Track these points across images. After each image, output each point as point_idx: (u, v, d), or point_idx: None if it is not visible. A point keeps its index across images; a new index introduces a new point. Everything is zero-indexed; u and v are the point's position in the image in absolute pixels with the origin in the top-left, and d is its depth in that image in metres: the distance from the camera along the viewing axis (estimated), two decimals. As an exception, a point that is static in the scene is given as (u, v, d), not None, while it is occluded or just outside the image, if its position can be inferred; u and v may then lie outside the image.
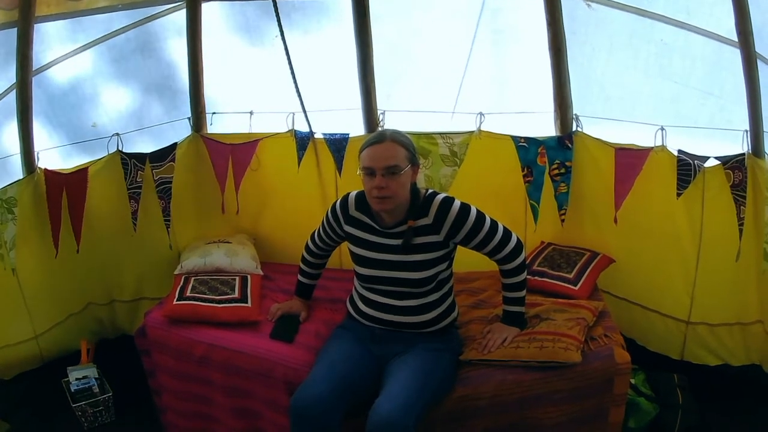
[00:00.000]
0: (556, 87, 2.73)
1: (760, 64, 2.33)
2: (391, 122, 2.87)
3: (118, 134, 2.85)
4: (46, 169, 2.73)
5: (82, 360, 2.88)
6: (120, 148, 2.86)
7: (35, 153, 2.72)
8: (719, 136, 2.49)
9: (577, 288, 2.54)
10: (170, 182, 2.90)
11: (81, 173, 2.78)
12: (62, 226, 2.78)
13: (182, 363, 2.42)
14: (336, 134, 2.88)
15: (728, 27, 2.33)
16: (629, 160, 2.60)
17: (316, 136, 2.92)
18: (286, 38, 2.52)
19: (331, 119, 2.90)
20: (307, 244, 2.53)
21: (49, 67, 2.76)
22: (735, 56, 2.36)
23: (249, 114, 3.02)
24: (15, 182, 2.65)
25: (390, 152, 2.08)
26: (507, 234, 2.20)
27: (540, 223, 2.79)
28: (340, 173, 2.90)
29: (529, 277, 2.38)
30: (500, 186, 2.83)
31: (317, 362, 2.21)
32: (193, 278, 2.71)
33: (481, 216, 2.17)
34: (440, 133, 2.80)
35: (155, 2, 2.84)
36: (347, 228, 2.30)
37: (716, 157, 2.48)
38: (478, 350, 2.26)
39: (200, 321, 2.45)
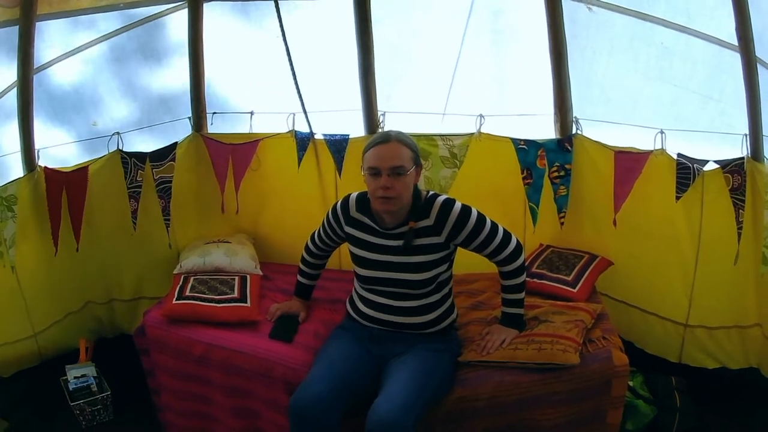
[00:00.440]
0: (557, 90, 2.74)
1: (760, 69, 2.34)
2: (391, 123, 2.88)
3: (118, 133, 2.85)
4: (46, 168, 2.73)
5: (81, 359, 2.88)
6: (120, 147, 2.86)
7: (36, 151, 2.72)
8: (719, 140, 2.50)
9: (575, 290, 2.55)
10: (170, 182, 2.90)
11: (81, 172, 2.78)
12: (62, 225, 2.78)
13: (181, 362, 2.42)
14: (336, 135, 2.89)
15: (728, 31, 2.33)
16: (629, 163, 2.60)
17: (316, 136, 2.92)
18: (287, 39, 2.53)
19: (332, 120, 2.90)
20: (306, 245, 2.53)
21: (51, 66, 2.76)
22: (735, 60, 2.36)
23: (249, 114, 3.02)
24: (15, 180, 2.65)
25: (396, 152, 2.09)
26: (507, 236, 2.21)
27: (539, 226, 2.80)
28: (340, 174, 2.90)
29: (527, 279, 2.38)
30: (500, 188, 2.84)
31: (316, 362, 2.21)
32: (192, 278, 2.71)
33: (481, 218, 2.18)
34: (440, 135, 2.80)
35: (157, 2, 2.84)
36: (348, 229, 2.30)
37: (715, 161, 2.49)
38: (477, 351, 2.26)
39: (199, 320, 2.45)
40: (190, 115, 3.00)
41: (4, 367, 2.81)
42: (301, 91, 2.71)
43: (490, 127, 2.78)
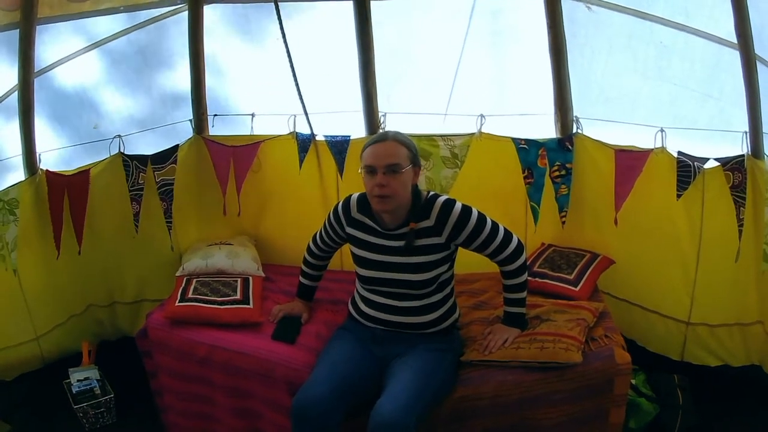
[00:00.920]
0: (557, 89, 2.74)
1: (759, 66, 2.34)
2: (391, 124, 2.88)
3: (119, 136, 2.85)
4: (47, 171, 2.73)
5: (84, 361, 2.89)
6: (121, 150, 2.87)
7: (37, 154, 2.72)
8: (719, 138, 2.50)
9: (577, 289, 2.55)
10: (172, 184, 2.90)
11: (83, 175, 2.78)
12: (64, 228, 2.78)
13: (184, 364, 2.42)
14: (337, 136, 2.89)
15: (727, 29, 2.34)
16: (629, 162, 2.61)
17: (317, 138, 2.92)
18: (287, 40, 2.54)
19: (333, 121, 2.91)
20: (308, 246, 2.53)
21: (52, 69, 2.77)
22: (734, 58, 2.37)
23: (251, 116, 3.02)
24: (17, 183, 2.66)
25: (391, 150, 2.09)
26: (508, 236, 2.21)
27: (540, 225, 2.80)
28: (342, 175, 2.91)
29: (529, 278, 2.38)
30: (501, 188, 2.84)
31: (318, 363, 2.21)
32: (194, 280, 2.71)
33: (482, 218, 2.18)
34: (441, 135, 2.81)
35: (157, 4, 2.85)
36: (349, 230, 2.30)
37: (716, 159, 2.49)
38: (479, 351, 2.26)
39: (202, 322, 2.46)
40: (191, 117, 3.01)
41: (7, 370, 2.81)
42: (302, 93, 2.71)
43: (491, 127, 2.79)
